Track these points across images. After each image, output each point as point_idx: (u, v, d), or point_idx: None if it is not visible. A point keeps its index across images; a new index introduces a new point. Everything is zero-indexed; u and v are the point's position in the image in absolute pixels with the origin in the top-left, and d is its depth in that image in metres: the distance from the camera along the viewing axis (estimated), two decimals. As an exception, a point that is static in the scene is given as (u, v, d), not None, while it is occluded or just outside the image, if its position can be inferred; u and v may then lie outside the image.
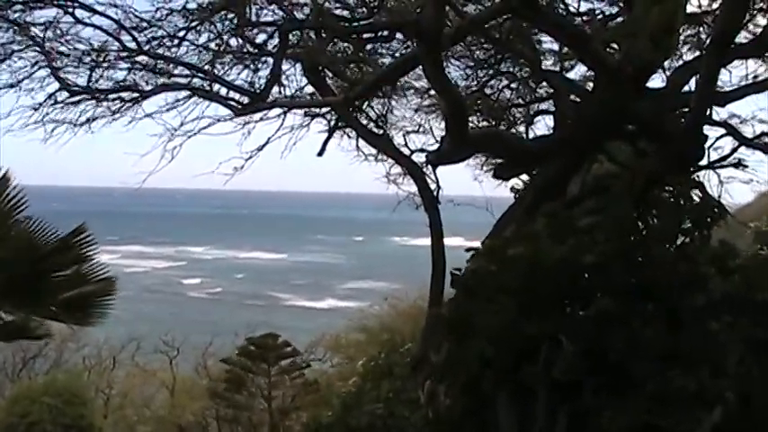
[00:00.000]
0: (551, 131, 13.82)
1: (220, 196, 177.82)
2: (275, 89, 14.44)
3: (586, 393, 8.63)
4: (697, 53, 13.20)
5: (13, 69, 13.43)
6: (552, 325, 8.81)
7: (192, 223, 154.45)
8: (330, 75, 14.84)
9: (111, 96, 14.02)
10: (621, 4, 12.79)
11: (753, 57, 12.75)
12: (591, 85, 12.77)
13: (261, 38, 14.42)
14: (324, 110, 15.72)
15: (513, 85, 16.25)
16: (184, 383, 31.63)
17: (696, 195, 11.31)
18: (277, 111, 14.93)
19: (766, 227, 16.72)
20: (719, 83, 12.04)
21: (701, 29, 13.40)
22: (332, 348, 33.25)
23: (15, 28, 13.09)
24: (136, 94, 14.10)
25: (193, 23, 13.51)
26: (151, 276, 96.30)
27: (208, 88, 14.26)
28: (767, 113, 14.10)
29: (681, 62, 13.04)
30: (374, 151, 16.70)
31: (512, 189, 13.15)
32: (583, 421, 8.69)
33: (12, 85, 13.48)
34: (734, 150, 13.77)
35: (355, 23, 14.06)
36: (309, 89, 15.15)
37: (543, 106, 15.87)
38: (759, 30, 12.23)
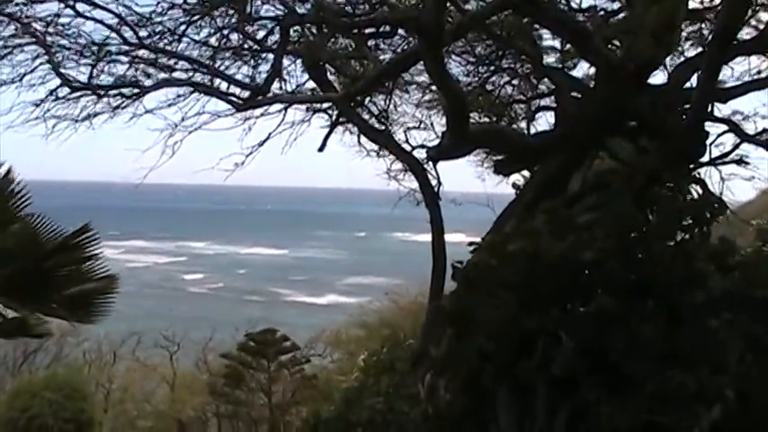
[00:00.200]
0: (552, 128, 13.80)
1: (221, 192, 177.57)
2: (276, 84, 14.44)
3: (586, 390, 8.63)
4: (699, 49, 13.18)
5: (13, 64, 13.44)
6: (552, 321, 8.80)
7: (192, 219, 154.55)
8: (331, 70, 14.84)
9: (111, 92, 14.02)
10: (623, 1, 12.78)
11: (755, 53, 12.72)
12: (593, 82, 12.75)
13: (261, 34, 14.43)
14: (325, 105, 15.71)
15: (514, 82, 16.23)
16: (184, 378, 31.71)
17: (697, 192, 11.30)
18: (278, 106, 14.93)
19: None
20: (721, 79, 12.03)
21: (703, 25, 13.37)
22: (332, 344, 33.30)
23: (17, 25, 13.09)
24: (136, 90, 14.09)
25: (194, 18, 13.51)
26: (152, 271, 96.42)
27: (208, 84, 14.25)
28: (769, 110, 14.06)
29: (682, 59, 13.02)
30: (375, 147, 16.70)
31: (513, 185, 13.15)
32: (582, 418, 8.70)
33: (13, 81, 13.49)
34: (735, 147, 13.73)
35: (356, 19, 14.04)
36: (310, 84, 15.16)
37: (544, 102, 15.83)
38: (761, 26, 12.21)
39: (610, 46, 11.99)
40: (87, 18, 13.29)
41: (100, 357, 32.01)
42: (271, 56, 14.25)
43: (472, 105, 14.87)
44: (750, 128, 13.95)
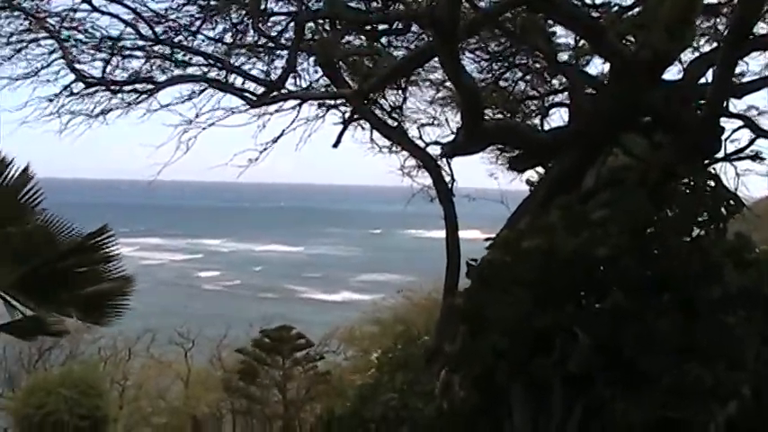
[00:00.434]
0: (566, 124, 13.77)
1: (232, 189, 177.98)
2: (290, 80, 14.47)
3: (601, 387, 8.61)
4: (714, 45, 13.12)
5: (29, 59, 13.51)
6: (567, 317, 8.79)
7: (205, 216, 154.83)
8: (344, 67, 14.84)
9: (126, 88, 14.06)
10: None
11: (771, 48, 12.66)
12: (606, 78, 12.71)
13: (275, 31, 14.45)
14: (338, 101, 15.72)
15: (527, 78, 16.20)
16: (199, 375, 31.75)
17: (712, 188, 11.24)
18: (292, 102, 14.95)
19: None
20: (736, 74, 11.96)
21: (718, 20, 13.31)
22: (346, 341, 33.30)
23: (32, 20, 13.15)
24: (151, 86, 14.14)
25: (209, 14, 13.55)
26: (168, 269, 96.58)
27: (223, 80, 14.29)
28: (785, 105, 13.98)
29: (698, 54, 12.96)
30: (388, 143, 16.70)
31: (527, 181, 13.12)
32: (597, 415, 8.68)
33: (27, 76, 13.55)
34: (751, 142, 13.64)
35: (370, 15, 14.05)
36: (324, 81, 15.17)
37: (558, 99, 15.80)
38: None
39: (624, 41, 11.94)
40: (103, 13, 13.38)
41: (115, 354, 32.04)
42: (285, 52, 14.28)
43: (486, 102, 14.85)
44: (766, 123, 13.87)
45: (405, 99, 16.45)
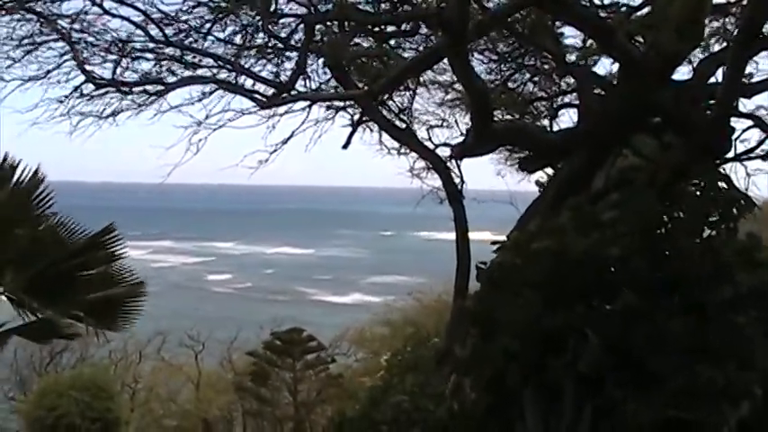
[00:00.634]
0: (575, 125, 13.75)
1: (242, 191, 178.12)
2: (300, 82, 14.49)
3: (611, 387, 8.59)
4: (724, 44, 13.07)
5: (40, 61, 13.58)
6: (578, 319, 8.77)
7: (216, 218, 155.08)
8: (353, 69, 14.85)
9: (136, 89, 14.11)
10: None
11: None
12: (615, 78, 12.69)
13: (285, 33, 14.47)
14: (347, 104, 15.72)
15: (536, 79, 16.18)
16: (210, 378, 31.79)
17: (723, 188, 11.20)
18: (302, 104, 14.96)
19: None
20: (746, 74, 11.91)
21: (728, 20, 13.27)
22: (356, 343, 33.31)
23: (43, 20, 13.21)
24: (161, 87, 14.17)
25: (219, 16, 13.58)
26: (179, 272, 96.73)
27: (233, 81, 14.31)
28: (795, 105, 13.91)
29: (707, 53, 12.92)
30: (396, 145, 16.69)
31: (536, 183, 13.11)
32: (608, 415, 8.66)
33: (39, 77, 13.62)
34: (761, 142, 13.60)
35: (379, 16, 14.06)
36: (333, 83, 15.17)
37: (567, 99, 15.78)
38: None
39: (633, 42, 11.92)
40: (113, 15, 13.41)
41: (126, 357, 32.11)
42: (294, 54, 14.30)
43: (494, 103, 14.85)
44: (775, 123, 13.82)
45: (413, 100, 16.47)
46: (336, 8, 13.34)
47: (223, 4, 13.65)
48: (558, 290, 9.04)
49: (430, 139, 16.26)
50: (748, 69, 11.75)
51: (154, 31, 13.58)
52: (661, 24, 9.70)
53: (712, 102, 11.46)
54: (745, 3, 11.46)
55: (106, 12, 13.32)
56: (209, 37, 14.01)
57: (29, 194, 9.76)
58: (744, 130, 13.17)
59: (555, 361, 8.79)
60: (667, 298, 8.80)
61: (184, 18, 13.67)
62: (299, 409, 27.65)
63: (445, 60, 11.50)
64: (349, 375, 28.51)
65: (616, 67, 12.44)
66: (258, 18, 13.79)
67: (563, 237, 9.20)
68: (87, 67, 13.70)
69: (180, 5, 13.46)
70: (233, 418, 31.08)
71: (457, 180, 14.87)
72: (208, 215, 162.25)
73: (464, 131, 14.18)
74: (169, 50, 14.04)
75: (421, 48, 14.61)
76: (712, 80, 11.85)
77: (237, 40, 14.28)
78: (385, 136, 16.48)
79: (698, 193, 10.25)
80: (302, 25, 13.92)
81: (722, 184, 10.55)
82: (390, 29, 14.46)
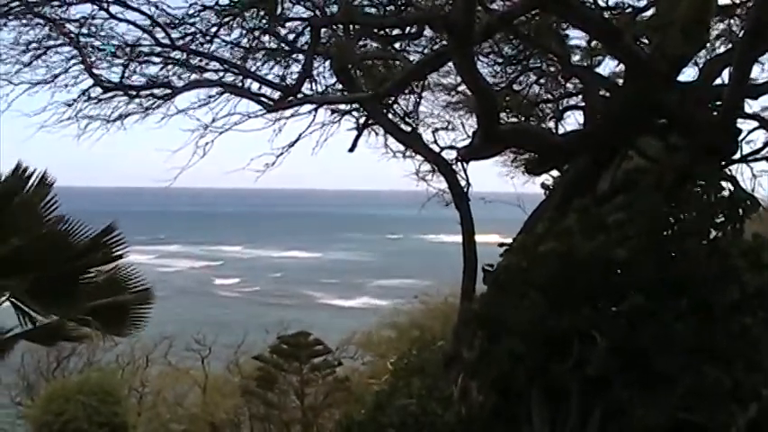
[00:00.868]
0: (581, 126, 13.74)
1: (248, 195, 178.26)
2: (306, 85, 14.51)
3: (618, 389, 8.58)
4: (729, 46, 13.06)
5: (48, 65, 13.63)
6: (584, 321, 8.76)
7: (224, 222, 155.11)
8: (359, 73, 14.86)
9: (143, 93, 14.14)
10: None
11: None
12: (621, 80, 12.68)
13: (291, 36, 14.51)
14: (353, 107, 15.74)
15: (541, 81, 16.18)
16: (216, 381, 31.75)
17: (728, 189, 11.19)
18: (308, 107, 14.98)
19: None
20: (752, 75, 11.90)
21: (733, 21, 13.26)
22: (363, 346, 33.25)
23: (51, 24, 13.26)
24: (168, 91, 14.20)
25: (225, 19, 13.61)
26: (187, 276, 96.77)
27: (239, 85, 14.34)
28: (801, 106, 13.89)
29: (713, 55, 12.91)
30: (402, 148, 16.70)
31: (542, 185, 13.10)
32: (615, 417, 8.64)
33: (47, 81, 13.66)
34: (767, 143, 13.60)
35: (384, 19, 14.08)
36: (339, 86, 15.18)
37: (572, 101, 15.78)
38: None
39: (638, 43, 11.91)
40: (120, 20, 13.47)
41: (133, 361, 32.10)
42: (301, 57, 14.32)
43: (500, 105, 14.85)
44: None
45: (418, 103, 16.48)
46: (342, 11, 13.35)
47: (229, 8, 13.67)
48: (564, 292, 9.03)
49: (435, 141, 16.28)
50: (754, 70, 11.75)
51: (160, 34, 13.63)
52: (667, 26, 9.69)
53: (718, 103, 11.44)
54: (751, 4, 11.43)
55: (112, 16, 13.37)
56: (216, 40, 14.06)
57: (38, 200, 9.77)
58: (750, 132, 13.15)
59: (561, 363, 8.79)
60: (674, 299, 8.79)
61: (191, 21, 13.71)
62: (306, 413, 27.57)
63: (450, 63, 11.52)
64: (356, 379, 28.44)
65: (621, 68, 12.45)
66: (264, 21, 13.82)
67: (569, 239, 9.20)
68: (95, 71, 13.75)
69: (186, 9, 13.50)
70: (240, 422, 30.99)
71: (462, 182, 14.86)
72: (214, 219, 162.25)
73: (469, 134, 14.19)
74: (176, 54, 14.08)
75: (426, 51, 14.61)
76: (718, 81, 11.83)
77: (244, 43, 14.32)
78: (390, 139, 16.50)
79: (704, 194, 10.24)
80: (308, 28, 13.94)
81: (728, 186, 10.55)
82: (396, 32, 14.47)
